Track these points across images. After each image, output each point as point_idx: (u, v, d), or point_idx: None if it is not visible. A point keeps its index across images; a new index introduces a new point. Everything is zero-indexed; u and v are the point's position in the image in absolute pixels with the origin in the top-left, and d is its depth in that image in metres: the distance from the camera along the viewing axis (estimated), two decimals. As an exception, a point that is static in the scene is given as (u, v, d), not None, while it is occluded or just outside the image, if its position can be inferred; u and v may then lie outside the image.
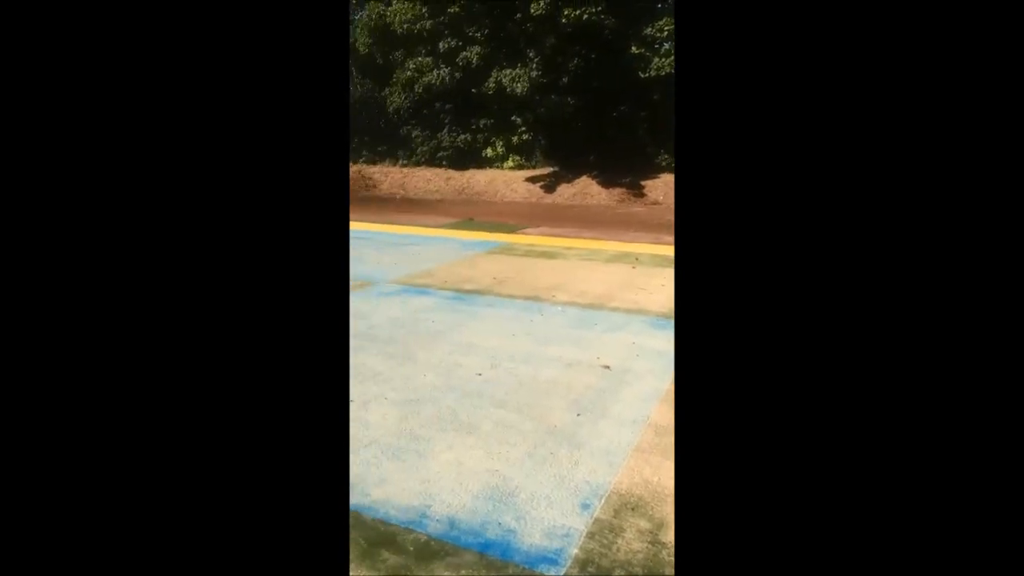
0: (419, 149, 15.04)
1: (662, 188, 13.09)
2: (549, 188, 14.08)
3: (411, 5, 13.04)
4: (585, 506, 1.96)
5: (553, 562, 1.70)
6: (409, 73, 13.70)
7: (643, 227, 9.43)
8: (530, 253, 6.78)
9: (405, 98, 14.30)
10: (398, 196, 14.14)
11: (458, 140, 14.73)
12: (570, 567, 1.68)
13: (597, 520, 1.89)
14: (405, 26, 13.14)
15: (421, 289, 4.90)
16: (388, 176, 15.19)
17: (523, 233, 8.44)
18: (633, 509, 1.94)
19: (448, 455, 2.28)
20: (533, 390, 2.91)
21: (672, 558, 1.69)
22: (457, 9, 12.74)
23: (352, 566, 1.67)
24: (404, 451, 2.31)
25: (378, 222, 9.27)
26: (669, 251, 6.62)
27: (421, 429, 2.49)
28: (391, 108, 14.72)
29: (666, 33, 12.41)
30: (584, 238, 7.90)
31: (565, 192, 13.88)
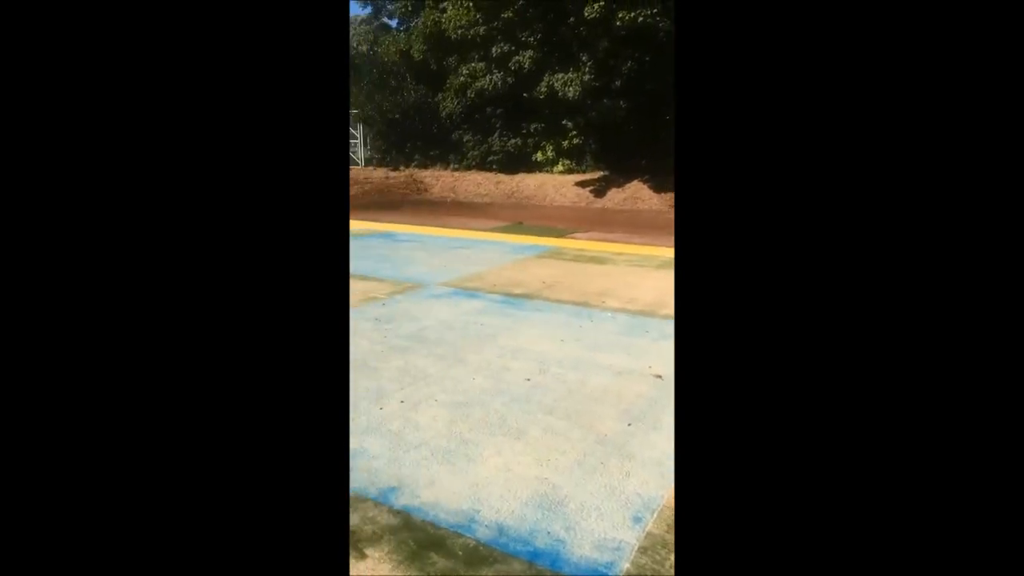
0: (470, 153, 15.20)
1: (716, 193, 12.69)
2: (599, 192, 13.95)
3: (465, 11, 13.21)
4: (637, 519, 1.91)
5: (603, 576, 1.66)
6: (462, 78, 13.88)
7: (696, 233, 9.16)
8: (579, 258, 6.72)
9: (457, 103, 14.49)
10: (448, 200, 14.32)
11: (508, 144, 14.81)
12: (621, 582, 1.64)
13: (649, 534, 1.83)
14: (459, 32, 13.33)
15: (471, 292, 4.93)
16: (439, 180, 15.42)
17: (572, 238, 8.38)
18: (687, 525, 1.88)
19: (497, 460, 2.27)
20: (582, 397, 2.87)
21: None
22: (511, 14, 12.82)
23: (402, 567, 1.68)
24: (453, 454, 2.32)
25: (429, 225, 9.41)
26: (724, 258, 6.41)
27: (470, 432, 2.49)
28: (444, 113, 14.94)
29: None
30: (634, 244, 7.77)
31: (615, 197, 13.72)
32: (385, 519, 1.90)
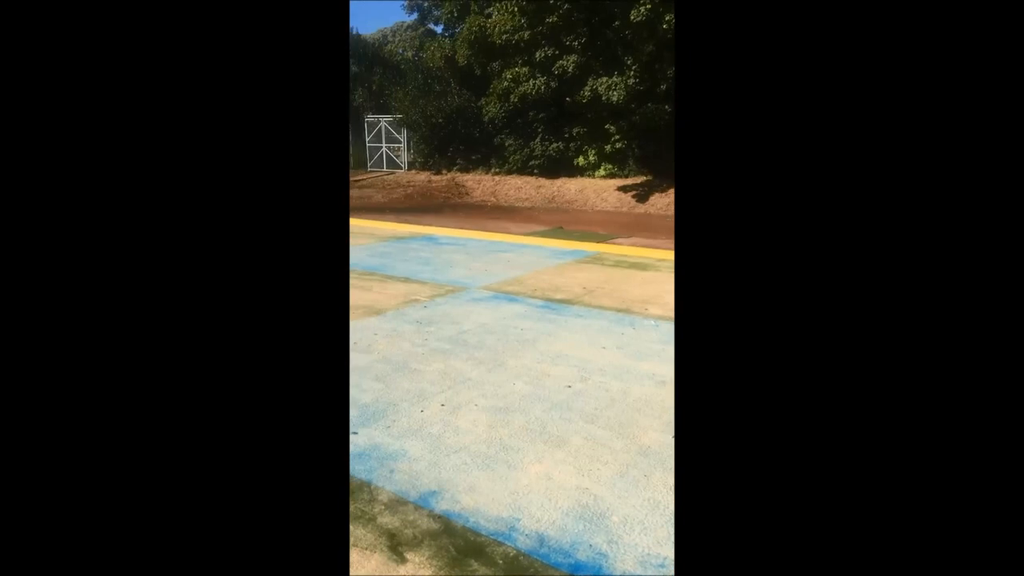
0: (511, 158, 15.23)
1: (764, 200, 12.34)
2: (641, 198, 13.75)
3: (510, 16, 13.27)
4: (682, 536, 1.84)
5: (647, 593, 1.61)
6: (505, 83, 13.94)
7: (742, 240, 8.92)
8: (621, 264, 6.63)
9: (500, 108, 14.56)
10: (489, 203, 14.39)
11: (550, 149, 14.78)
12: (666, 601, 1.58)
13: (695, 553, 1.77)
14: (504, 37, 13.39)
15: (511, 296, 4.92)
16: (480, 184, 15.51)
17: (614, 243, 8.28)
18: (735, 545, 1.80)
19: (537, 468, 2.24)
20: (625, 407, 2.81)
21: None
22: (555, 19, 12.80)
23: (443, 574, 1.67)
24: (493, 460, 2.30)
25: (470, 228, 9.46)
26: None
27: (510, 439, 2.47)
28: (486, 118, 15.04)
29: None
30: (678, 250, 7.59)
31: (658, 202, 13.49)
32: (425, 523, 1.90)
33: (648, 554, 1.76)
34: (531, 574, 1.67)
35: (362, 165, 18.21)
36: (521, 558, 1.73)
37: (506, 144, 15.32)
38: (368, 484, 2.12)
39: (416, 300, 4.76)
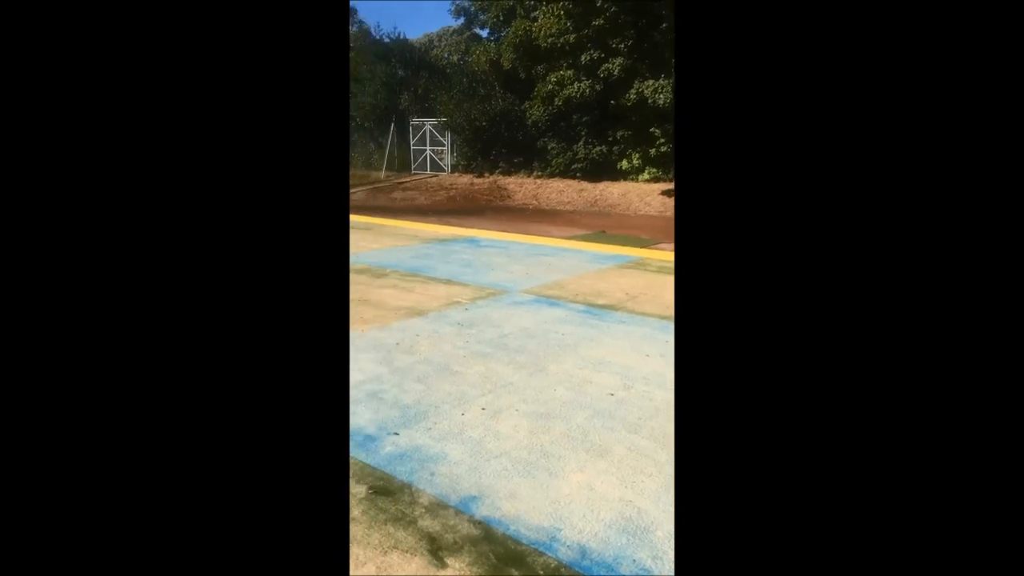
0: (554, 161, 15.19)
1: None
2: (686, 203, 13.46)
3: (556, 19, 13.24)
4: (730, 556, 1.77)
5: (694, 615, 1.54)
6: (550, 86, 13.92)
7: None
8: (664, 269, 6.50)
9: (544, 111, 14.55)
10: (530, 207, 14.39)
11: (593, 152, 14.66)
12: (714, 624, 1.52)
13: (745, 575, 1.69)
14: (549, 40, 13.38)
15: (552, 300, 4.88)
16: (522, 187, 15.53)
17: (657, 248, 8.13)
18: (788, 569, 1.72)
19: (579, 477, 2.20)
20: (669, 417, 2.73)
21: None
22: (602, 21, 12.71)
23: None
24: (535, 467, 2.27)
25: (511, 232, 9.47)
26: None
27: (552, 446, 2.44)
28: (530, 121, 15.05)
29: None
30: (725, 257, 7.40)
31: (703, 207, 13.18)
32: (466, 529, 1.88)
33: (694, 573, 1.69)
34: (572, 587, 1.63)
35: (406, 168, 18.51)
36: (563, 570, 1.70)
37: (549, 147, 15.28)
38: (409, 486, 2.12)
39: (458, 302, 4.78)
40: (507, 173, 16.39)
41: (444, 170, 17.92)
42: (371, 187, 16.11)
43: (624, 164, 14.68)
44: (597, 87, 13.25)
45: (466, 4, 18.55)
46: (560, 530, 1.87)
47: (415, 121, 18.42)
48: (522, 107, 15.32)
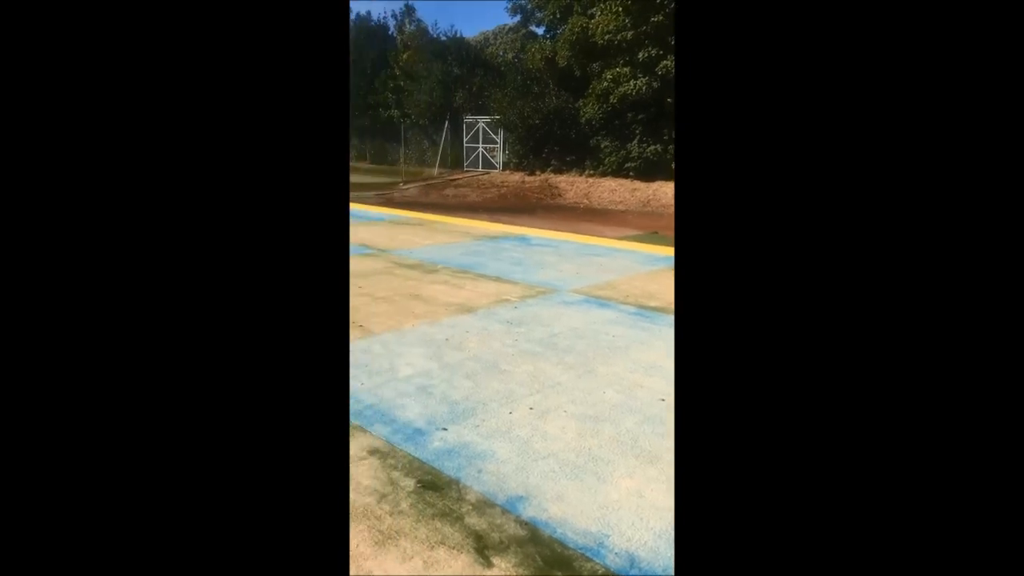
0: (607, 160, 14.99)
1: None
2: (743, 204, 13.03)
3: (614, 16, 13.05)
4: None
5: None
6: (605, 84, 13.75)
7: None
8: (720, 273, 6.30)
9: (598, 109, 14.38)
10: (581, 205, 14.26)
11: (647, 151, 14.38)
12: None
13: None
14: (606, 37, 13.21)
15: (602, 301, 4.82)
16: (574, 186, 15.41)
17: (712, 251, 7.90)
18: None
19: (628, 483, 2.15)
20: (724, 427, 2.64)
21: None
22: (661, 17, 12.44)
23: (527, 582, 1.63)
24: (583, 470, 2.24)
25: (562, 230, 9.41)
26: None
27: (600, 450, 2.40)
28: (583, 119, 14.91)
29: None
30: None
31: (762, 209, 12.73)
32: (512, 529, 1.87)
33: (749, 591, 1.63)
34: (620, 596, 1.60)
35: (459, 165, 18.70)
36: (610, 577, 1.66)
37: (602, 146, 15.09)
38: (457, 482, 2.14)
39: (507, 300, 4.78)
40: (559, 171, 16.30)
41: (496, 167, 18.00)
42: (424, 183, 16.37)
43: (679, 164, 14.32)
44: (654, 84, 12.99)
45: (523, 2, 18.52)
46: (608, 536, 1.84)
47: (468, 119, 18.58)
48: (576, 105, 15.20)
